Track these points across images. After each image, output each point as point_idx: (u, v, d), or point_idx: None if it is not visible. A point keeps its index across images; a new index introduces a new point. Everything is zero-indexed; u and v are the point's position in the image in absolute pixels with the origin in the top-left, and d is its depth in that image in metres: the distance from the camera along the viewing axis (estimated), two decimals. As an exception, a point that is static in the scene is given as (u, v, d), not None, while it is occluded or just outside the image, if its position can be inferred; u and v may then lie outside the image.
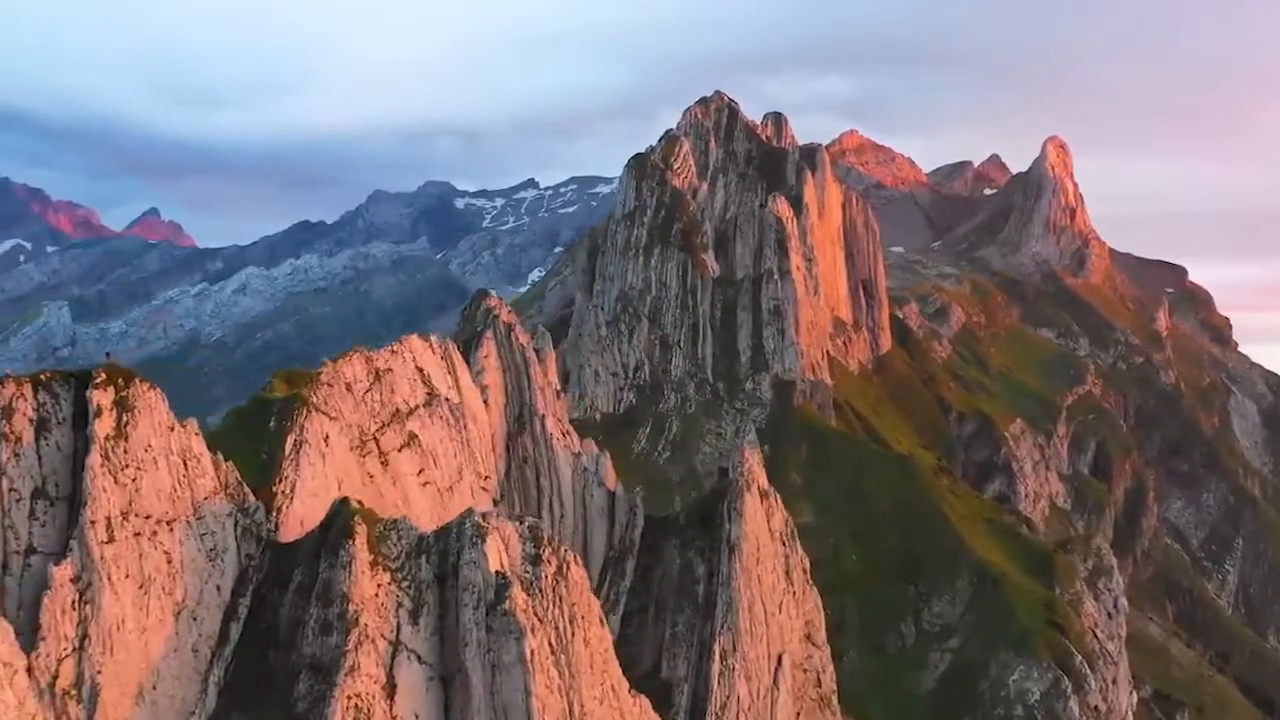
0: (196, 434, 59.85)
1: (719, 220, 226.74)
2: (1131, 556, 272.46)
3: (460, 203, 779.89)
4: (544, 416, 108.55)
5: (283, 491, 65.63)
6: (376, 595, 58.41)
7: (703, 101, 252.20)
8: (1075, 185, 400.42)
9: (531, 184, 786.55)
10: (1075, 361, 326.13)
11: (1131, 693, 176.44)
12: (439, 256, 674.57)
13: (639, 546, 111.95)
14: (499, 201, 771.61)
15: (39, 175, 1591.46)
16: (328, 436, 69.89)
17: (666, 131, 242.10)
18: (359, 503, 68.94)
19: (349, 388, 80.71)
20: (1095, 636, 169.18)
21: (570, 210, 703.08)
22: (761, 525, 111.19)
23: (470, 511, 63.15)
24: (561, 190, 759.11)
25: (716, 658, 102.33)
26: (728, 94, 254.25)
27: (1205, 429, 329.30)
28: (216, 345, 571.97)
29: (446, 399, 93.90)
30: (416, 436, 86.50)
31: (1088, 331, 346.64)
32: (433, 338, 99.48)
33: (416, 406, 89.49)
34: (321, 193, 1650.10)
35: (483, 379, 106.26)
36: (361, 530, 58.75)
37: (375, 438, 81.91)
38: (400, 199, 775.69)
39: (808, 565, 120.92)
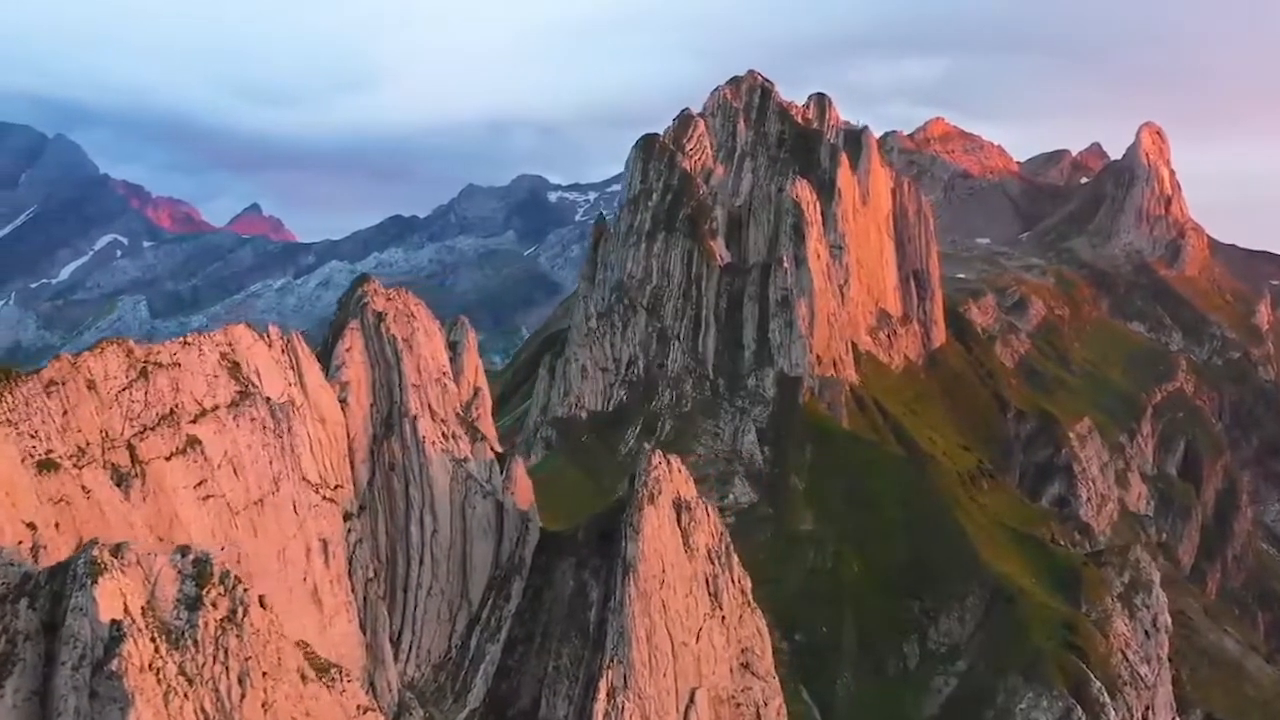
0: None
1: (742, 205, 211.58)
2: (1220, 562, 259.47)
3: (553, 196, 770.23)
4: (416, 418, 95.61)
5: (-108, 513, 53.39)
6: (-69, 650, 46.22)
7: (733, 81, 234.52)
8: (1172, 173, 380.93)
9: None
10: (1166, 357, 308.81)
11: (1173, 719, 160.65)
12: (528, 252, 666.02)
13: (529, 566, 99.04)
14: (592, 195, 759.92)
15: (132, 171, 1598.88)
16: (-17, 445, 57.35)
17: (683, 111, 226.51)
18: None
19: (91, 386, 68.40)
20: (1126, 659, 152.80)
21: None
22: (670, 542, 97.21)
23: (92, 543, 50.64)
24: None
25: (602, 695, 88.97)
26: (761, 73, 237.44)
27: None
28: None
29: (267, 398, 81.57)
30: (199, 442, 74.13)
31: (1181, 325, 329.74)
32: (272, 328, 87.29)
33: (215, 407, 77.14)
34: (416, 187, 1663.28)
35: (342, 375, 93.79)
36: (-90, 568, 46.41)
37: (130, 444, 69.81)
38: (492, 193, 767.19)
39: (748, 585, 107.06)
